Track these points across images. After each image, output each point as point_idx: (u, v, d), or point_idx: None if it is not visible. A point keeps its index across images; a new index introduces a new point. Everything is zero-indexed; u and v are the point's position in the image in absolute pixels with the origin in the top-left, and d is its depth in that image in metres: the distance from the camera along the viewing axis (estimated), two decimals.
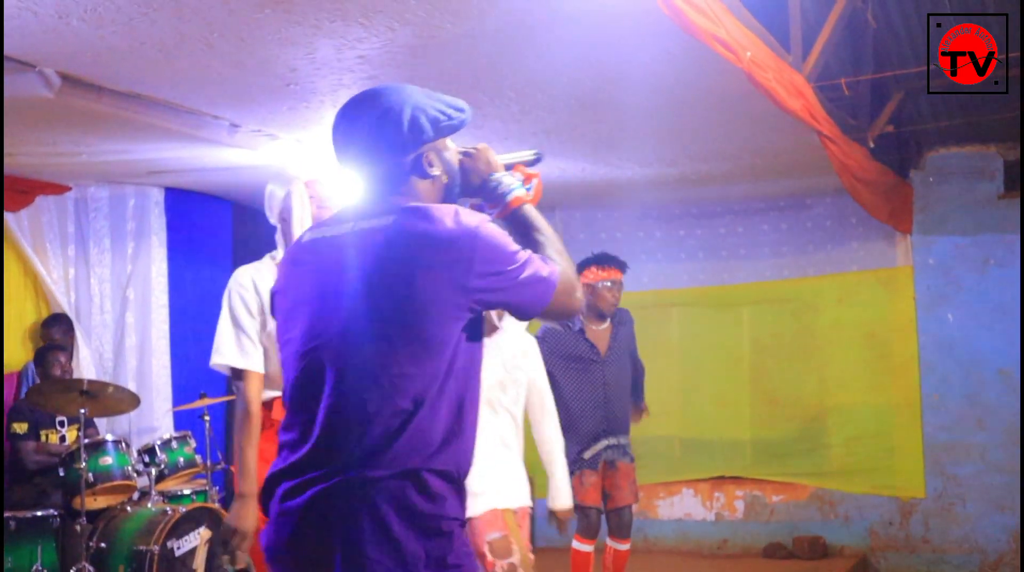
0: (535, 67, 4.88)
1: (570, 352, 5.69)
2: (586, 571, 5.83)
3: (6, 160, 5.93)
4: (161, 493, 6.18)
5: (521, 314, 2.27)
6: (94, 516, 5.85)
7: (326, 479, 2.09)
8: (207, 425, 6.60)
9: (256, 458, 3.42)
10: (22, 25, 3.98)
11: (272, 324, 3.48)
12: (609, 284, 5.76)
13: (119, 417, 6.81)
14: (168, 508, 5.85)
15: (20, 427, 6.21)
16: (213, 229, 7.74)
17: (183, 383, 7.26)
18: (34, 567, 5.52)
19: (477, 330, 2.22)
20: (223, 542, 3.48)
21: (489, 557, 4.15)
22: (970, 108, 7.50)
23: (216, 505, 6.15)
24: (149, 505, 5.96)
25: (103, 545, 5.75)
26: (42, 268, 6.92)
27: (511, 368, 4.24)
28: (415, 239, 2.15)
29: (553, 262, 2.23)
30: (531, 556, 4.32)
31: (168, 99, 5.18)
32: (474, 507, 4.14)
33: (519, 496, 4.35)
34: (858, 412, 8.05)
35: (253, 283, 3.55)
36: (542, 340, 4.40)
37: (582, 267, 5.74)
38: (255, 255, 3.81)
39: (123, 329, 7.25)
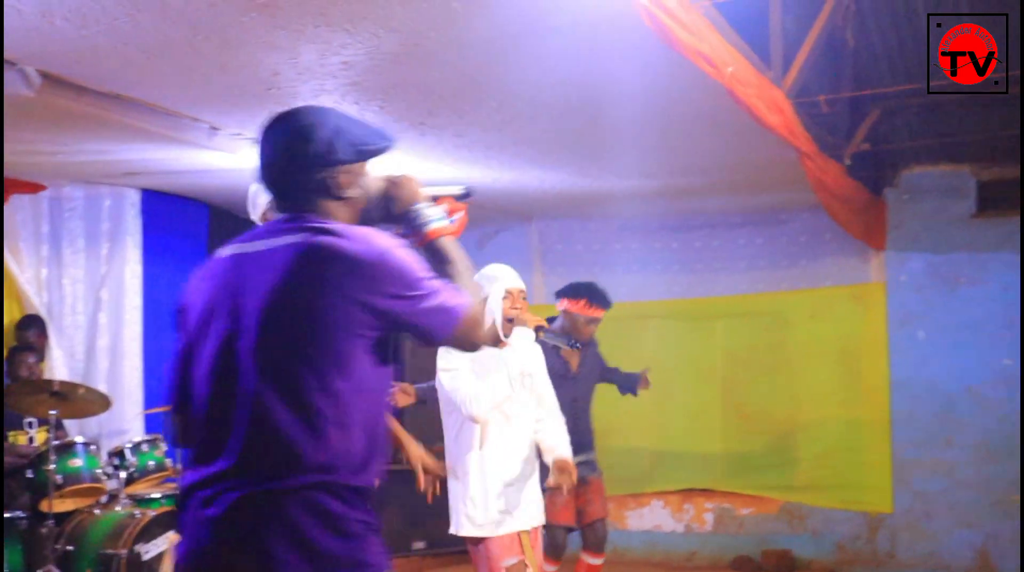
0: (518, 77, 4.89)
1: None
2: None
3: None
4: (130, 496, 6.13)
5: (423, 340, 2.30)
6: (62, 519, 5.80)
7: (240, 488, 2.14)
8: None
9: None
10: (5, 23, 3.95)
11: None
12: (592, 321, 5.77)
13: (89, 419, 6.76)
14: (137, 511, 5.80)
15: None
16: (189, 232, 7.71)
17: (155, 386, 7.21)
18: None
19: (386, 352, 2.26)
20: None
21: None
22: (945, 128, 7.58)
23: None
24: (118, 508, 5.91)
25: (70, 548, 5.70)
26: (15, 267, 6.86)
27: (518, 383, 4.20)
28: (323, 256, 2.19)
29: (466, 297, 2.27)
30: None
31: (149, 100, 5.15)
32: (492, 529, 4.20)
33: (535, 516, 4.35)
34: (828, 427, 8.11)
35: None
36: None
37: (574, 293, 5.74)
38: None
39: (95, 330, 7.19)
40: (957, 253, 7.85)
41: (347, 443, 2.16)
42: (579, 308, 5.71)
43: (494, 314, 4.26)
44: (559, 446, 4.49)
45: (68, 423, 6.50)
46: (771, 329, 8.37)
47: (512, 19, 4.17)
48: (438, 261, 2.35)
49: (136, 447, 6.25)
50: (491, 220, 8.88)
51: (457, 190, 2.61)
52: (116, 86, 4.94)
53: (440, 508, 8.10)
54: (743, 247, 8.50)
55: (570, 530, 5.79)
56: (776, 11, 5.78)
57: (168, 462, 6.39)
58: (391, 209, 2.42)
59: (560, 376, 5.70)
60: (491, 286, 4.32)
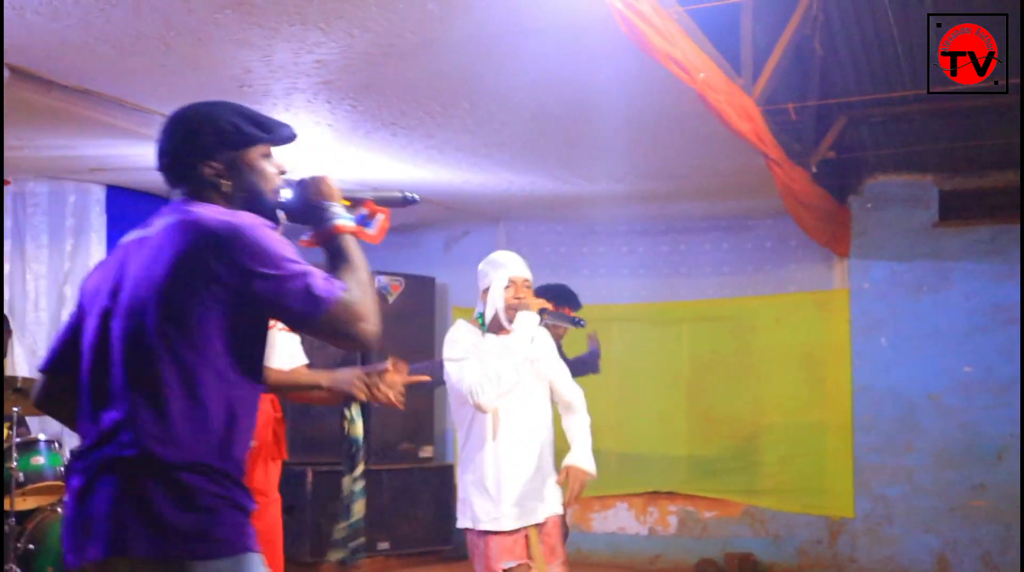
0: (492, 80, 4.91)
1: None
2: None
3: None
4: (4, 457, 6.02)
5: (292, 325, 2.29)
6: (23, 517, 5.73)
7: (100, 461, 2.18)
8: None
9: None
10: None
11: None
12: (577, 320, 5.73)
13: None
14: None
15: None
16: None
17: None
18: None
19: (250, 333, 2.25)
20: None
21: None
22: (908, 137, 7.68)
23: None
24: None
25: (32, 547, 5.64)
26: None
27: (525, 370, 4.12)
28: (183, 230, 2.21)
29: (342, 288, 2.22)
30: (567, 568, 4.23)
31: (118, 96, 5.12)
32: (500, 524, 4.08)
33: (547, 507, 4.23)
34: (791, 432, 8.18)
35: None
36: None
37: (543, 296, 5.69)
38: None
39: (59, 327, 7.11)
40: (920, 261, 7.95)
41: (202, 421, 2.17)
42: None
43: (497, 301, 4.18)
44: (576, 449, 4.34)
45: (30, 420, 6.42)
46: (736, 334, 8.43)
47: (487, 22, 4.18)
48: (333, 259, 2.32)
49: None
50: (458, 221, 8.89)
51: (396, 194, 2.56)
52: (85, 81, 4.90)
53: (404, 509, 8.15)
54: (709, 252, 8.57)
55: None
56: (747, 19, 5.82)
57: None
58: (297, 206, 2.40)
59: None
60: (495, 273, 4.24)
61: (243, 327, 2.22)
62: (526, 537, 4.13)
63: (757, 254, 8.44)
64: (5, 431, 6.09)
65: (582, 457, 4.28)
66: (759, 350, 8.34)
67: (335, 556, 3.35)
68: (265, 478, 3.55)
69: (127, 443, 2.16)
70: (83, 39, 4.23)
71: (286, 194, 2.40)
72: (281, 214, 2.40)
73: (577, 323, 4.43)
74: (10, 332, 6.78)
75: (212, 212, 2.25)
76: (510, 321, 4.15)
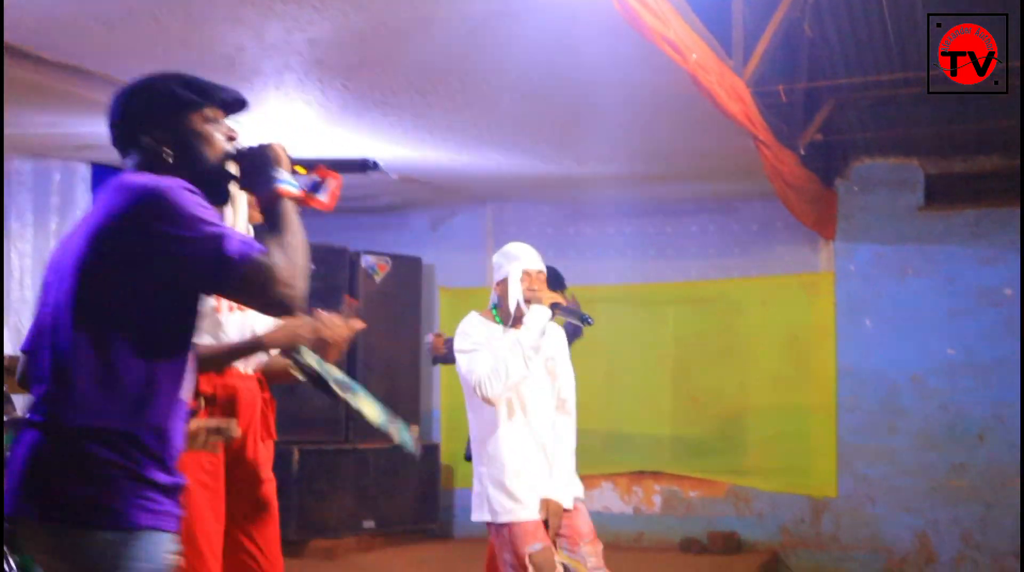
0: (483, 60, 4.90)
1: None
2: None
3: None
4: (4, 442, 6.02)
5: (202, 288, 2.24)
6: None
7: (29, 431, 2.20)
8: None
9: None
10: None
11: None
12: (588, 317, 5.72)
13: None
14: None
15: None
16: None
17: None
18: None
19: (172, 300, 2.22)
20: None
21: (530, 570, 4.04)
22: (895, 121, 7.71)
23: None
24: None
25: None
26: None
27: (535, 364, 4.14)
28: (109, 197, 2.22)
29: (259, 250, 2.15)
30: (596, 544, 4.25)
31: (107, 73, 5.06)
32: (517, 514, 4.12)
33: (565, 496, 4.23)
34: (776, 413, 8.23)
35: None
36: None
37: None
38: None
39: None
40: (904, 245, 8.00)
41: (112, 387, 2.15)
42: None
43: (515, 294, 4.19)
44: (556, 476, 4.28)
45: (16, 398, 6.40)
46: (722, 315, 8.47)
47: (480, 1, 4.17)
48: (269, 223, 2.27)
49: None
50: (446, 202, 8.88)
51: (356, 159, 2.50)
52: (74, 58, 4.86)
53: (389, 488, 8.17)
54: (696, 234, 8.59)
55: None
56: (738, 1, 5.83)
57: None
58: (248, 173, 2.36)
59: None
60: (509, 266, 4.25)
61: (163, 293, 2.19)
62: (544, 524, 4.14)
63: (743, 236, 8.47)
64: None
65: (559, 490, 4.24)
66: (744, 331, 8.38)
67: (394, 435, 3.41)
68: (256, 459, 3.54)
69: (41, 409, 2.19)
70: (72, 15, 4.20)
71: (234, 162, 2.36)
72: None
73: (585, 320, 4.42)
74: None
75: (138, 178, 2.22)
76: (522, 315, 4.17)
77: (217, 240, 2.12)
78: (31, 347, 2.36)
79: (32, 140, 6.48)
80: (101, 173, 7.29)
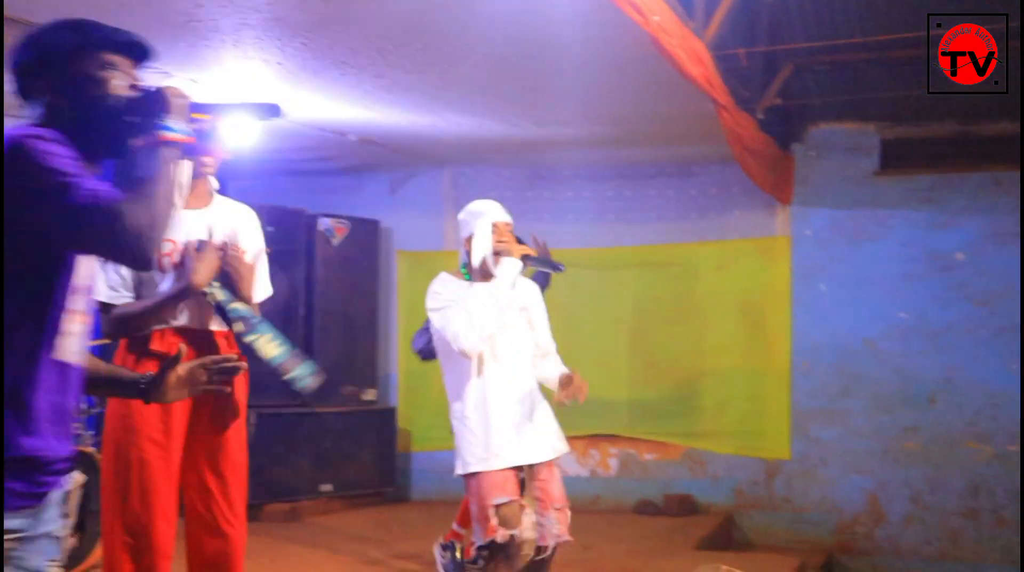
0: (444, 19, 4.86)
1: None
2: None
3: None
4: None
5: (52, 239, 2.10)
6: None
7: None
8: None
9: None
10: None
11: None
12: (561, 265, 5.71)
13: None
14: None
15: None
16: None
17: None
18: None
19: (39, 261, 2.12)
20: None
21: (493, 521, 4.06)
22: (852, 86, 7.75)
23: (90, 449, 5.98)
24: None
25: None
26: None
27: (509, 315, 4.16)
28: None
29: (114, 197, 2.03)
30: (565, 512, 4.27)
31: None
32: (486, 464, 4.12)
33: (539, 451, 4.25)
34: (731, 376, 8.31)
35: None
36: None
37: None
38: None
39: None
40: (859, 209, 8.08)
41: None
42: None
43: (483, 248, 4.21)
44: (557, 368, 4.43)
45: None
46: (679, 279, 8.51)
47: None
48: (142, 170, 2.13)
49: None
50: (404, 165, 8.83)
51: (256, 104, 2.43)
52: (22, 11, 4.74)
53: (347, 451, 8.17)
54: (654, 198, 8.61)
55: None
56: None
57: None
58: (141, 119, 2.23)
59: None
60: (476, 221, 4.26)
61: (24, 250, 2.08)
62: (515, 476, 4.16)
63: (701, 201, 8.51)
64: None
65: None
66: (701, 296, 8.43)
67: (288, 369, 3.42)
68: (218, 416, 3.53)
69: None
70: None
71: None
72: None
73: (556, 267, 4.46)
74: None
75: (8, 132, 2.09)
76: (496, 266, 4.18)
77: (67, 188, 2.01)
78: None
79: None
80: None
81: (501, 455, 4.13)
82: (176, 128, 2.20)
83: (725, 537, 8.00)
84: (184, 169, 3.45)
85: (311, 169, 8.79)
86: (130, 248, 2.05)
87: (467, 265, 4.29)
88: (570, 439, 8.37)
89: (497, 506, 4.07)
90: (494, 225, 4.26)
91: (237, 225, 3.64)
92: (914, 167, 7.97)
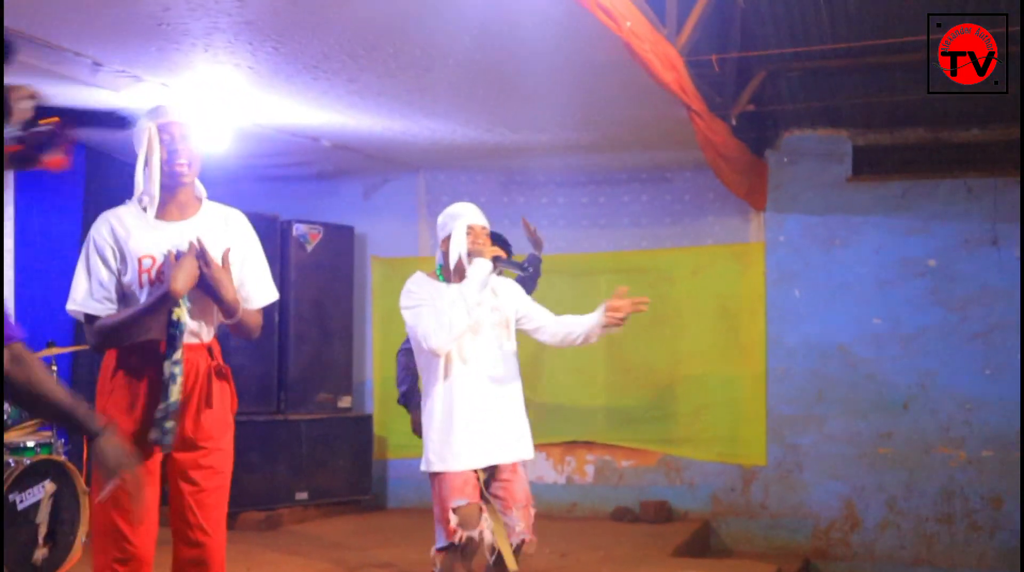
0: (417, 24, 4.85)
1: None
2: None
3: None
4: (4, 445, 5.91)
5: None
6: None
7: None
8: (54, 375, 6.35)
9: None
10: None
11: (131, 271, 3.42)
12: (527, 265, 5.72)
13: None
14: (11, 460, 5.62)
15: None
16: (65, 174, 7.39)
17: (29, 332, 6.94)
18: None
19: None
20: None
21: (452, 523, 4.13)
22: (824, 92, 7.78)
23: (62, 458, 5.93)
24: None
25: None
26: None
27: (479, 315, 4.24)
28: None
29: None
30: (528, 510, 4.30)
31: (26, 31, 4.92)
32: (448, 464, 4.20)
33: (507, 452, 4.31)
34: (707, 382, 8.31)
35: (111, 228, 3.46)
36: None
37: None
38: (109, 202, 3.70)
39: None
40: (833, 215, 8.11)
41: None
42: None
43: (458, 249, 4.29)
44: (586, 316, 4.52)
45: None
46: (654, 286, 8.48)
47: None
48: None
49: None
50: (378, 170, 8.80)
51: (106, 111, 2.35)
52: None
53: (323, 458, 8.12)
54: (628, 204, 8.62)
55: None
56: None
57: None
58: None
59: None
60: (453, 223, 4.36)
61: None
62: (476, 479, 4.23)
63: (675, 206, 8.52)
64: None
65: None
66: (676, 302, 8.43)
67: (152, 436, 3.37)
68: (195, 427, 3.49)
69: None
70: None
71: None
72: None
73: (524, 268, 4.55)
74: None
75: None
76: (468, 267, 4.27)
77: None
78: None
79: None
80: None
81: (461, 456, 4.21)
82: (13, 136, 2.09)
83: (702, 544, 8.00)
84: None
85: (285, 175, 8.75)
86: None
87: (443, 267, 4.37)
88: (546, 446, 8.57)
89: (456, 508, 4.15)
90: (469, 227, 4.35)
91: (226, 232, 3.59)
92: (886, 173, 8.01)
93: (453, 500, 4.15)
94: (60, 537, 5.65)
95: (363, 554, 6.74)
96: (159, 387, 3.39)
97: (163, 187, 3.47)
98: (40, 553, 5.54)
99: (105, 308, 3.45)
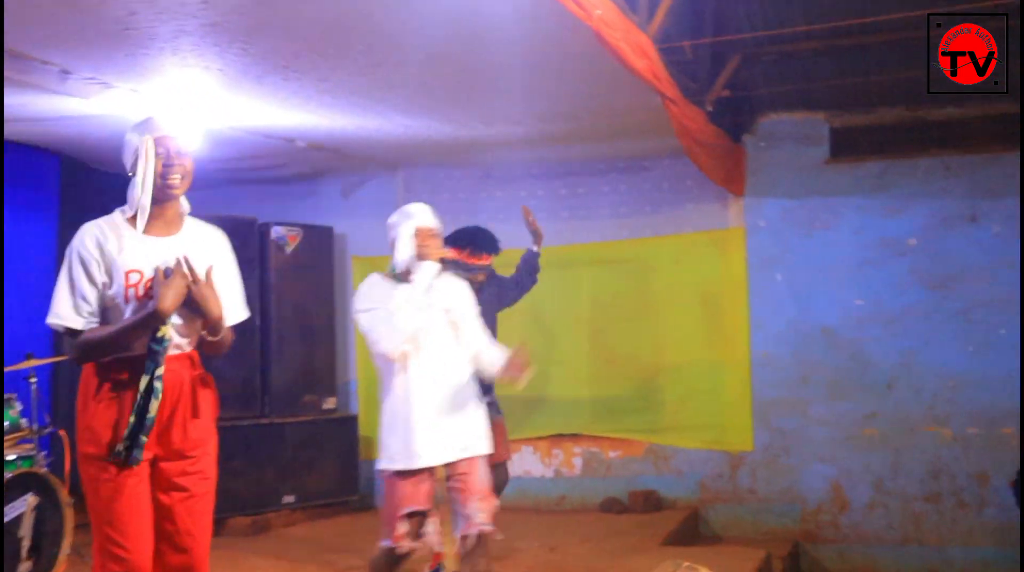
0: (385, 20, 4.81)
1: None
2: None
3: None
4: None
5: None
6: None
7: None
8: (33, 388, 6.28)
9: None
10: None
11: (116, 285, 3.38)
12: (478, 269, 5.72)
13: None
14: None
15: None
16: (39, 183, 7.35)
17: (8, 344, 6.89)
18: None
19: None
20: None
21: (399, 530, 4.25)
22: (800, 75, 7.78)
23: (43, 470, 5.88)
24: None
25: None
26: None
27: (429, 316, 4.32)
28: None
29: None
30: (488, 501, 4.38)
31: None
32: (395, 464, 4.31)
33: (462, 448, 4.39)
34: (692, 370, 8.31)
35: (97, 240, 3.42)
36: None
37: (457, 242, 5.65)
38: (84, 211, 3.67)
39: None
40: (811, 198, 8.11)
41: None
42: (464, 256, 5.66)
43: (405, 251, 4.38)
44: (501, 357, 4.52)
45: None
46: (636, 275, 8.50)
47: None
48: None
49: None
50: (356, 170, 8.76)
51: None
52: None
53: (309, 461, 8.08)
54: (607, 194, 8.60)
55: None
56: None
57: (23, 422, 6.13)
58: None
59: None
60: (402, 225, 4.45)
61: None
62: (432, 480, 4.33)
63: (655, 195, 8.50)
64: None
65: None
66: (658, 290, 8.43)
67: (119, 447, 3.35)
68: (183, 437, 3.47)
69: None
70: None
71: None
72: None
73: (472, 271, 4.55)
74: None
75: None
76: (414, 270, 4.37)
77: None
78: None
79: None
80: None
81: (418, 455, 4.30)
82: None
83: (691, 532, 8.00)
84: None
85: (262, 177, 8.70)
86: None
87: (395, 267, 4.46)
88: (533, 440, 8.55)
89: (405, 516, 4.28)
90: (417, 229, 4.42)
91: (208, 250, 3.57)
92: (864, 154, 8.01)
93: (404, 507, 4.27)
94: (44, 550, 5.60)
95: (352, 556, 6.71)
96: (162, 401, 3.38)
97: (153, 201, 3.44)
98: (24, 567, 5.50)
99: (88, 322, 3.41)
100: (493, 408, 5.83)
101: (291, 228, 8.32)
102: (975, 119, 7.79)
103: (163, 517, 3.49)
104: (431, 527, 4.30)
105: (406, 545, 4.29)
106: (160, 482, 3.47)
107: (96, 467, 3.40)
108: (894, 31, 7.06)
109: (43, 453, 6.21)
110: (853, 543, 7.97)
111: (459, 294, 4.56)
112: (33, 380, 6.31)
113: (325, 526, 7.89)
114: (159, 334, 3.36)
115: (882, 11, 6.56)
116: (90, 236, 3.43)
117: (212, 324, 3.47)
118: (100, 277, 3.40)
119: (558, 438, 8.64)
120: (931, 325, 7.82)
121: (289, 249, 8.31)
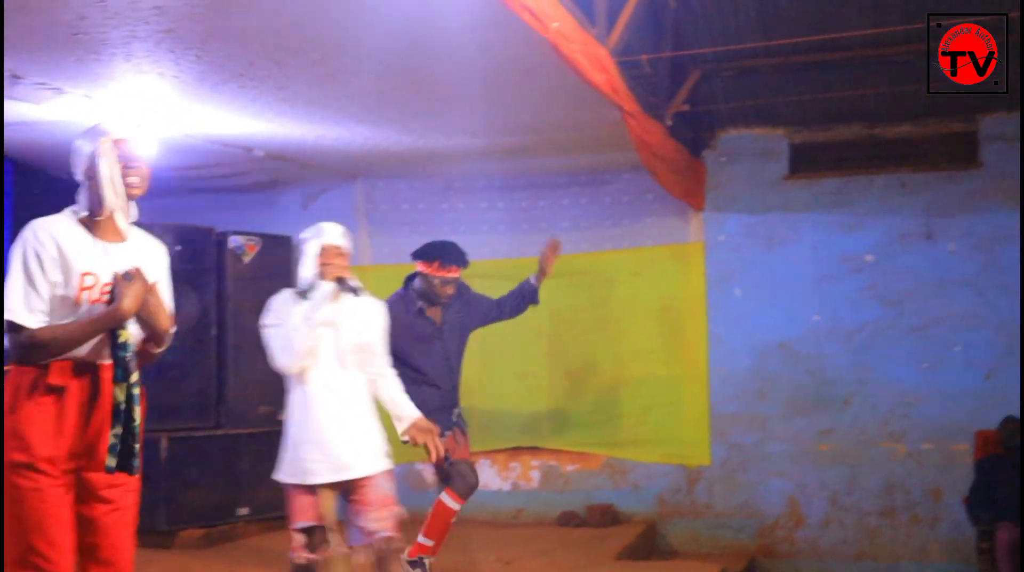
0: (342, 29, 4.78)
1: (415, 333, 5.65)
2: (447, 529, 5.75)
3: None
4: None
5: None
6: None
7: None
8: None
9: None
10: None
11: (70, 286, 3.30)
12: (447, 282, 5.70)
13: None
14: None
15: None
16: None
17: None
18: None
19: None
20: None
21: (295, 542, 4.37)
22: (759, 91, 7.82)
23: None
24: None
25: None
26: None
27: (323, 336, 4.39)
28: None
29: None
30: (388, 509, 4.39)
31: None
32: (291, 477, 4.42)
33: (360, 467, 4.40)
34: (650, 384, 8.31)
35: (53, 238, 3.33)
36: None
37: (425, 256, 5.64)
38: (37, 217, 3.58)
39: None
40: (771, 214, 8.15)
41: None
42: (433, 270, 5.64)
43: (308, 268, 4.48)
44: (406, 407, 4.61)
45: None
46: (595, 288, 8.50)
47: None
48: None
49: None
50: (315, 179, 8.71)
51: None
52: None
53: (264, 472, 7.95)
54: (568, 207, 8.59)
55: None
56: None
57: None
58: None
59: (428, 337, 5.69)
60: (308, 242, 4.55)
61: None
62: (330, 495, 4.44)
63: (615, 208, 8.51)
64: None
65: (414, 412, 4.59)
66: (617, 304, 8.43)
67: (110, 463, 3.30)
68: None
69: None
70: None
71: None
72: None
73: (355, 291, 4.55)
74: None
75: None
76: (314, 288, 4.45)
77: None
78: None
79: None
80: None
81: (311, 472, 4.38)
82: None
83: (647, 546, 7.99)
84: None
85: (222, 186, 8.63)
86: None
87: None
88: (491, 452, 8.50)
89: (298, 530, 4.39)
90: (323, 247, 4.51)
91: (153, 261, 3.53)
92: (822, 170, 8.07)
93: (297, 521, 4.39)
94: None
95: None
96: (96, 410, 3.31)
97: (110, 204, 3.38)
98: None
99: (38, 320, 3.32)
100: (460, 422, 5.85)
101: (249, 237, 8.24)
102: (931, 137, 7.87)
103: (86, 531, 3.41)
104: (334, 540, 4.38)
105: (303, 557, 4.38)
106: (83, 495, 3.40)
107: (21, 476, 3.30)
108: (852, 49, 7.12)
109: None
110: (809, 558, 7.99)
111: (369, 317, 4.57)
112: None
113: (280, 538, 7.75)
114: (121, 340, 3.30)
115: (841, 29, 6.61)
116: (45, 234, 3.33)
117: (160, 336, 3.42)
118: (54, 275, 3.31)
119: (516, 451, 8.61)
120: (887, 341, 7.86)
121: (247, 258, 8.22)
